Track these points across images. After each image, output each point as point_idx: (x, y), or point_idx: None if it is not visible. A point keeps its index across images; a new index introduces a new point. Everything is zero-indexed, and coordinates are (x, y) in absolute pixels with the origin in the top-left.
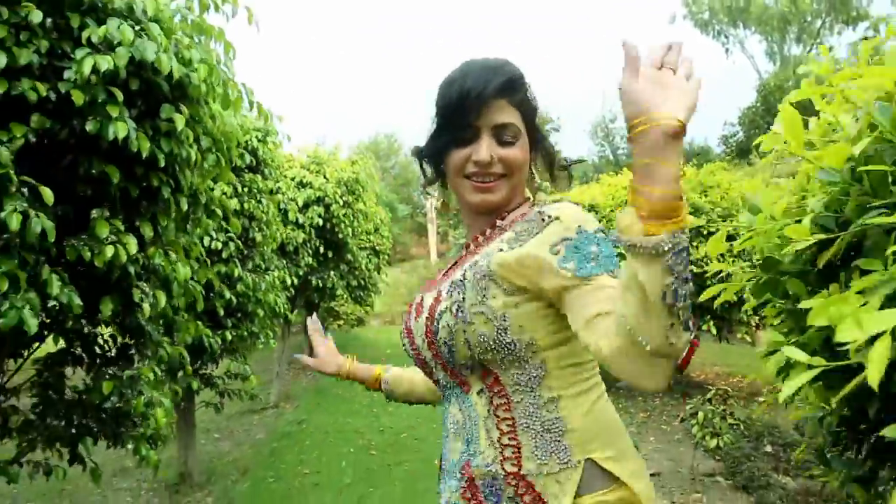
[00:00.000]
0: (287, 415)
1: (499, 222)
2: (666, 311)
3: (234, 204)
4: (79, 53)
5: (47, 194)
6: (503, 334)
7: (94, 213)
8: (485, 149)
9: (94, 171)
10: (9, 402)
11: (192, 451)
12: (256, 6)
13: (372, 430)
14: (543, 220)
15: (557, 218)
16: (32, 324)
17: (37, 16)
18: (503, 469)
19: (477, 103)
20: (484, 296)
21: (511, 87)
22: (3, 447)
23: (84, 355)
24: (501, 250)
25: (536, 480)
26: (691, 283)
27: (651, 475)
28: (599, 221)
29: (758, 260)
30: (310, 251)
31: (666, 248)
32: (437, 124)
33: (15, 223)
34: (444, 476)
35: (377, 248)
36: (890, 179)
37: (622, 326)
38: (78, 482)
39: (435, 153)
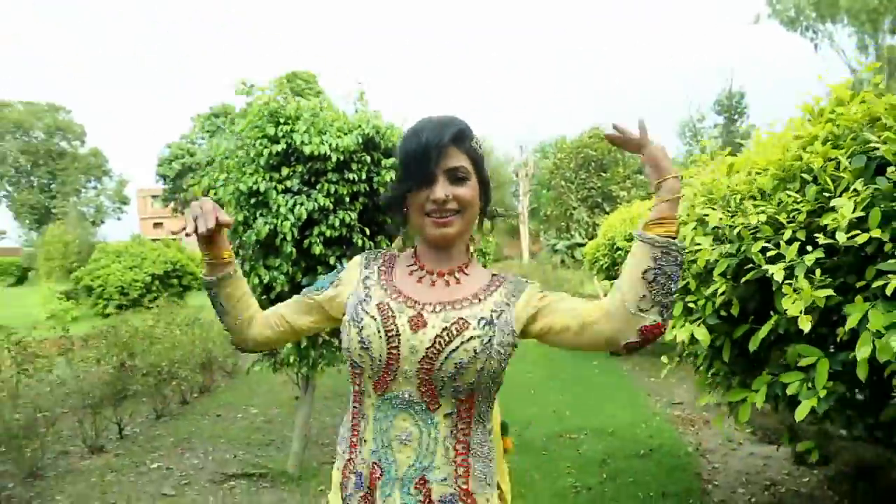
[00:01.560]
0: None
1: (466, 272)
2: (643, 284)
3: None
4: (382, 172)
5: (367, 232)
6: (502, 372)
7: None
8: (440, 188)
9: (376, 218)
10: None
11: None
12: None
13: None
14: (525, 281)
15: (532, 282)
16: None
17: (392, 163)
18: (458, 487)
19: (436, 152)
20: (509, 342)
21: (461, 136)
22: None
23: None
24: (509, 304)
25: (478, 499)
26: (673, 286)
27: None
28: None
29: None
30: None
31: (655, 243)
32: (401, 173)
33: (360, 243)
34: (384, 483)
35: (484, 250)
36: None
37: (614, 293)
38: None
39: (398, 199)
